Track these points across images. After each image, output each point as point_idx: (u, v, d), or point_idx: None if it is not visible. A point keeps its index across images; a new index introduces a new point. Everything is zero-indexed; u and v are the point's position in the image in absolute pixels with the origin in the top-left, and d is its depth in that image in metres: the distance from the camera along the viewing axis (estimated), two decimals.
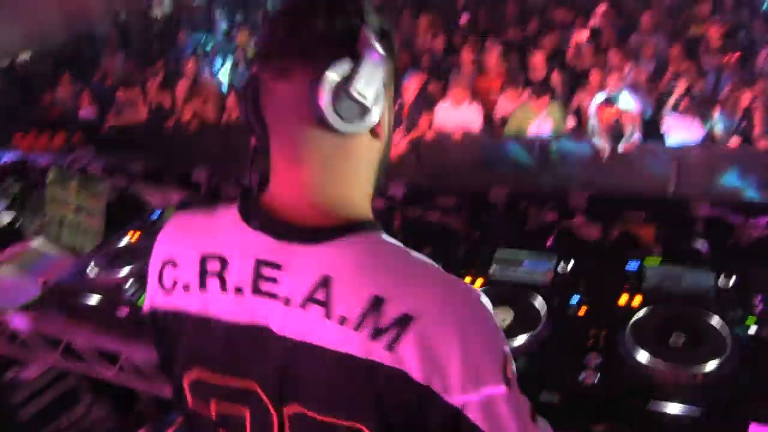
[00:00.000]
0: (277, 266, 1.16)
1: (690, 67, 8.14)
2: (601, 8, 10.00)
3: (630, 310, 2.14)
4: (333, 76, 1.12)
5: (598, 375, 1.93)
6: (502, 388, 1.11)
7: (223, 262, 1.22)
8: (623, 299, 2.21)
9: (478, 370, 1.09)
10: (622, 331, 2.05)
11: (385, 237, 1.19)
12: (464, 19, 11.21)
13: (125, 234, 2.94)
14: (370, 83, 1.15)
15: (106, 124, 10.22)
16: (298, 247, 1.16)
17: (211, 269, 1.23)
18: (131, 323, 2.49)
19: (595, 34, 9.42)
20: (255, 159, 1.33)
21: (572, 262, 2.41)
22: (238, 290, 1.20)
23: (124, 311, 2.50)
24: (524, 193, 2.89)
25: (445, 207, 2.93)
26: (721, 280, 2.22)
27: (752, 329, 2.02)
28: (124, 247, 2.84)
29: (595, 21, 9.84)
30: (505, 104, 8.33)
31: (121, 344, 2.53)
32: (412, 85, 8.34)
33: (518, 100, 8.20)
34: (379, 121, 1.21)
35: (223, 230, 1.26)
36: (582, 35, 9.41)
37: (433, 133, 8.24)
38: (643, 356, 1.95)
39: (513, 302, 2.25)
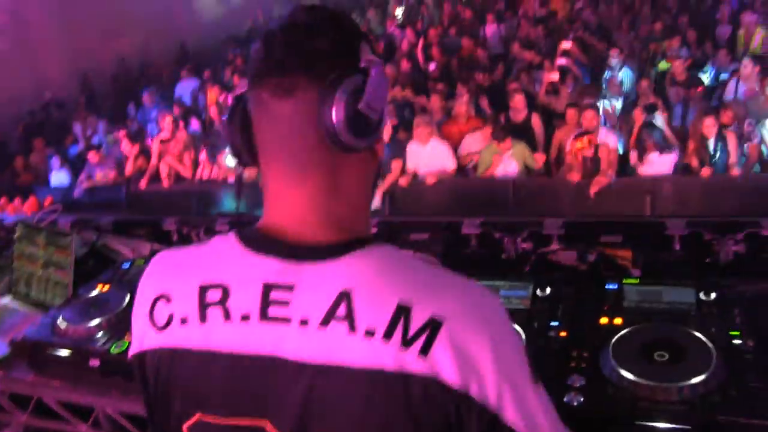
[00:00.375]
0: (289, 288, 1.11)
1: (658, 100, 8.26)
2: (567, 45, 10.17)
3: (611, 331, 2.10)
4: (344, 92, 1.10)
5: (583, 396, 1.88)
6: (533, 388, 1.10)
7: (226, 291, 1.15)
8: (603, 320, 2.18)
9: (510, 371, 1.08)
10: (604, 352, 2.01)
11: (394, 248, 1.16)
12: (432, 66, 11.34)
13: (95, 286, 2.87)
14: (378, 98, 1.14)
15: (77, 186, 10.18)
16: (308, 265, 1.11)
17: (211, 299, 1.15)
18: (104, 374, 2.42)
19: (563, 72, 9.55)
20: (241, 186, 1.29)
21: (550, 287, 2.37)
22: (245, 318, 1.12)
23: (95, 362, 2.43)
24: (497, 224, 2.85)
25: (418, 241, 2.89)
26: (702, 296, 2.19)
27: (737, 342, 1.99)
28: (93, 298, 2.77)
29: (562, 60, 9.98)
30: (472, 145, 8.38)
31: (94, 397, 2.46)
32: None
33: (484, 141, 8.27)
34: (380, 138, 1.20)
35: (222, 258, 1.19)
36: (552, 75, 9.55)
37: (406, 178, 8.26)
38: (627, 375, 1.90)
39: None
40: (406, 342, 1.04)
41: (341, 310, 1.07)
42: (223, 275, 1.16)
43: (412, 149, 8.36)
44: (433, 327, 1.04)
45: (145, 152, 10.39)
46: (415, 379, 1.04)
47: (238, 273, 1.15)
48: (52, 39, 14.61)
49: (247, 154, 1.21)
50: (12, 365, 2.64)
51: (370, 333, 1.05)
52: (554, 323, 2.21)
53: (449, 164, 8.28)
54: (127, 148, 10.52)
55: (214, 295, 1.15)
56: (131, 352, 1.29)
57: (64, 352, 2.51)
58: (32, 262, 3.18)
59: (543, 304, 2.32)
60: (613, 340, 2.04)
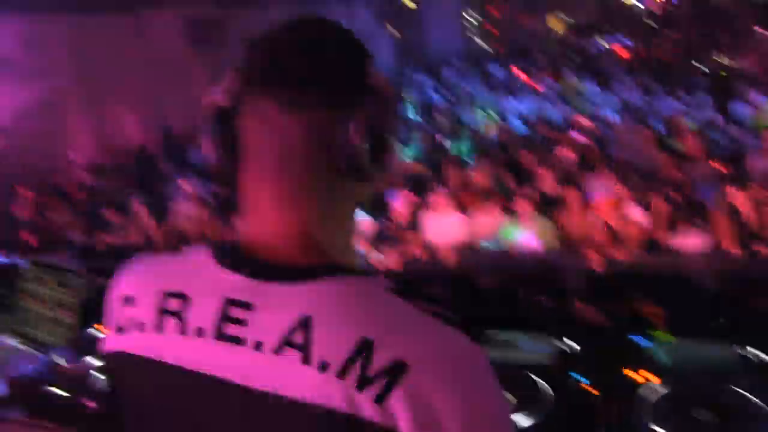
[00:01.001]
0: (248, 306, 0.98)
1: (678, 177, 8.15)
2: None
3: (643, 386, 1.97)
4: (365, 115, 1.01)
5: None
6: None
7: (186, 301, 1.04)
8: (634, 375, 2.04)
9: None
10: (636, 409, 1.87)
11: (375, 280, 1.01)
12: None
13: (96, 327, 2.78)
14: (393, 123, 1.05)
15: (94, 244, 10.16)
16: (275, 286, 0.99)
17: (169, 307, 1.05)
18: (99, 417, 2.30)
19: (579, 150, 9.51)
20: (224, 202, 1.20)
21: (574, 341, 2.25)
22: (199, 333, 1.01)
23: (91, 403, 2.31)
24: (516, 277, 2.74)
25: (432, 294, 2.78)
26: (749, 354, 2.05)
27: None
28: (95, 338, 2.67)
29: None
30: (483, 224, 8.26)
31: None
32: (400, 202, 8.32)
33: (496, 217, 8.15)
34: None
35: (191, 269, 1.08)
36: (565, 151, 9.52)
37: (423, 250, 8.14)
38: None
39: (514, 385, 2.05)
40: (362, 383, 0.90)
41: (297, 336, 0.94)
42: (186, 285, 1.06)
43: (429, 220, 8.27)
44: (395, 371, 0.90)
45: (164, 220, 10.38)
46: (366, 427, 0.90)
47: (202, 285, 1.05)
48: (80, 112, 14.91)
49: (230, 173, 1.08)
50: (8, 406, 2.52)
51: (324, 367, 0.92)
52: (578, 377, 2.08)
53: (464, 234, 8.18)
54: (145, 217, 10.55)
55: (173, 304, 1.05)
56: (103, 350, 1.17)
57: (59, 392, 2.40)
58: (40, 303, 3.09)
59: (567, 358, 2.20)
60: (647, 396, 1.90)
